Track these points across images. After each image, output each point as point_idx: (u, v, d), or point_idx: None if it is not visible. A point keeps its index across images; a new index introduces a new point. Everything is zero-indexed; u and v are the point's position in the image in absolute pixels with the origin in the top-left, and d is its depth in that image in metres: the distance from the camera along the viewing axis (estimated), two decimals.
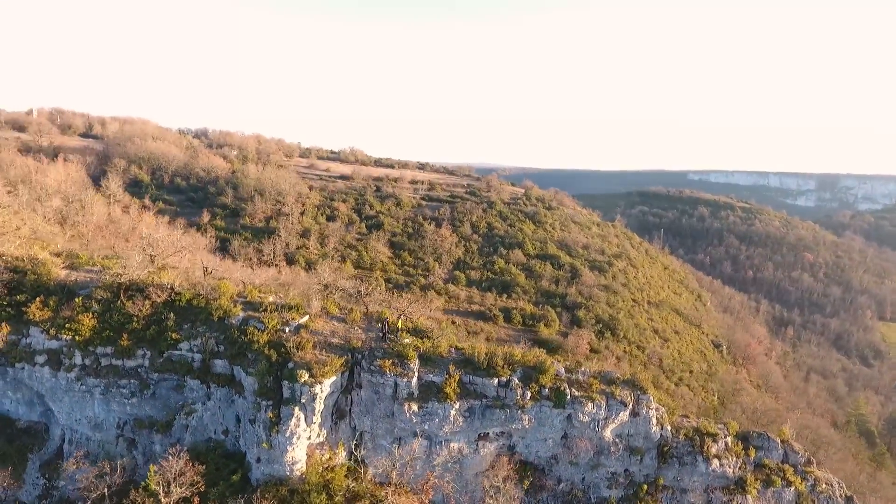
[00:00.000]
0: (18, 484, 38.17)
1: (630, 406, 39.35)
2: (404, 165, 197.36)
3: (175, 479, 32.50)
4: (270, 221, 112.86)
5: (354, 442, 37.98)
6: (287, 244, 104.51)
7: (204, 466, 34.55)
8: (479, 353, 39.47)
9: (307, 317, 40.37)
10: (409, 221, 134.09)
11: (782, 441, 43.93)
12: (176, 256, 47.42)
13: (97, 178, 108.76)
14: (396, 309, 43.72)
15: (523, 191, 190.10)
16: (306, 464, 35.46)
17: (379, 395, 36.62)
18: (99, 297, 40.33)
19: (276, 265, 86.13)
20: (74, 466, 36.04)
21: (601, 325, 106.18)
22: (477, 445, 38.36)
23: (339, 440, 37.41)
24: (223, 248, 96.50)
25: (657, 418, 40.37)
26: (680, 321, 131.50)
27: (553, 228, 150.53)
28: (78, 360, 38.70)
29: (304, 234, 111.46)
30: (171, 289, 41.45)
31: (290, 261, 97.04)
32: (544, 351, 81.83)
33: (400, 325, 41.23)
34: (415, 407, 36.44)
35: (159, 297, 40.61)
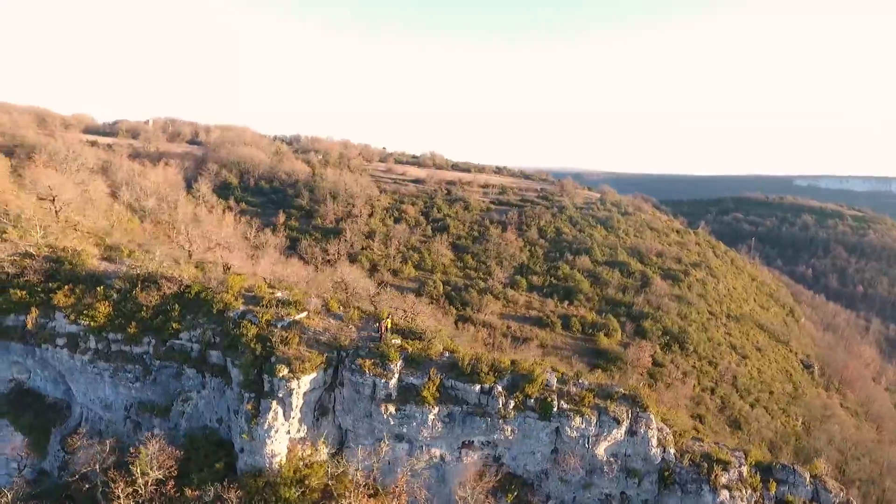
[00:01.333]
0: (42, 455, 42.05)
1: (625, 424, 36.93)
2: (481, 170, 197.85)
3: (150, 461, 34.38)
4: (340, 223, 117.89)
5: (339, 439, 38.82)
6: (352, 244, 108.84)
7: (183, 452, 36.63)
8: (463, 358, 38.55)
9: (305, 313, 41.16)
10: (476, 225, 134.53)
11: (812, 476, 39.22)
12: (214, 251, 51.47)
13: (191, 181, 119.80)
14: (397, 308, 44.36)
15: (598, 195, 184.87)
16: (286, 457, 36.13)
17: (359, 394, 36.59)
18: (118, 287, 43.20)
19: (335, 265, 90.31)
20: (79, 442, 38.85)
21: (668, 338, 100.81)
22: (460, 453, 37.39)
23: (320, 437, 37.74)
24: (292, 247, 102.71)
25: (658, 439, 37.58)
26: (764, 337, 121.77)
27: (626, 235, 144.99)
28: (92, 343, 41.61)
29: (370, 235, 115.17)
30: (181, 282, 43.79)
31: (353, 260, 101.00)
32: (602, 362, 79.45)
33: (389, 324, 41.40)
34: (392, 409, 36.20)
35: (170, 288, 42.95)
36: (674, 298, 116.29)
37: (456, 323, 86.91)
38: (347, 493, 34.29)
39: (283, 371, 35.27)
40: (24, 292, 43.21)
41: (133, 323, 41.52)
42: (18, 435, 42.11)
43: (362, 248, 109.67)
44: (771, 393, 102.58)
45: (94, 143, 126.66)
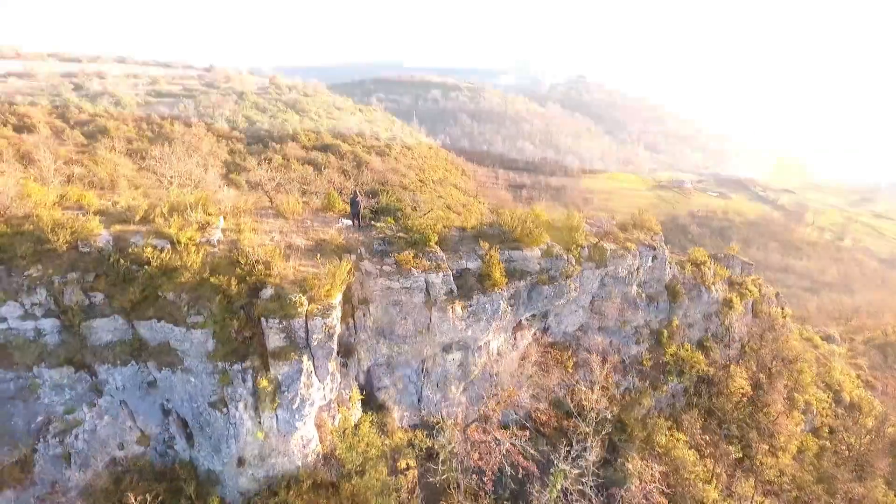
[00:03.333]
0: None
1: (655, 250, 35.13)
2: (95, 59, 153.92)
3: None
4: None
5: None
6: None
7: None
8: (509, 219, 29.72)
9: (221, 218, 24.07)
10: (144, 123, 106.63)
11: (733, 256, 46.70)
12: None
13: None
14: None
15: (268, 80, 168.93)
16: (319, 440, 22.46)
17: (402, 305, 24.28)
18: None
19: None
20: None
21: (403, 205, 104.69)
22: (515, 338, 29.61)
23: (351, 389, 24.43)
24: None
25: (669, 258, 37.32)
26: (461, 195, 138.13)
27: (319, 117, 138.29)
28: None
29: None
30: None
31: None
32: None
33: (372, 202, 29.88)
34: (459, 308, 25.08)
35: None
36: (391, 172, 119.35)
37: None
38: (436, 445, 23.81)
39: (303, 302, 20.17)
40: None
41: None
42: None
43: None
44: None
45: None
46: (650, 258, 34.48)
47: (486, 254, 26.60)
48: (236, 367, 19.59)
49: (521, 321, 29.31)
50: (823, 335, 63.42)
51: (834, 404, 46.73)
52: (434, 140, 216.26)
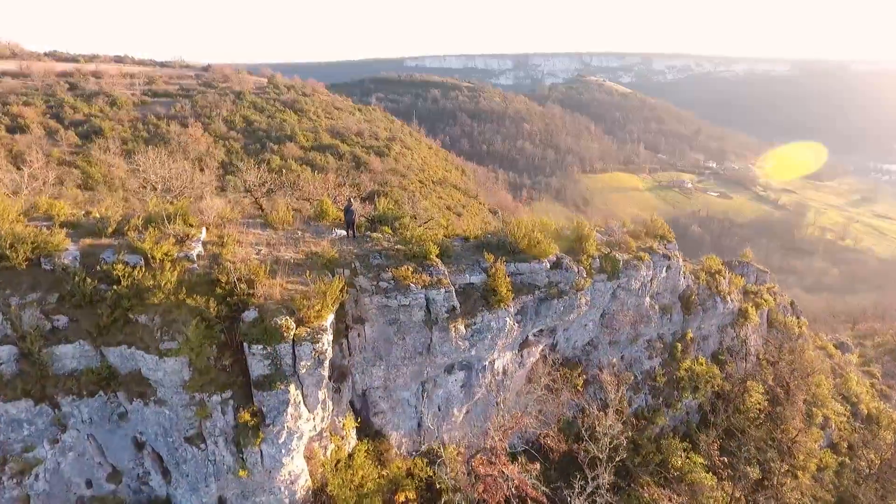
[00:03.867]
0: None
1: (670, 259, 33.19)
2: (92, 59, 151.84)
3: None
4: None
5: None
6: None
7: None
8: (516, 228, 27.33)
9: (204, 230, 22.22)
10: (140, 123, 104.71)
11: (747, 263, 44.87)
12: None
13: None
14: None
15: (266, 80, 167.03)
16: (308, 473, 20.29)
17: (401, 324, 22.24)
18: None
19: None
20: None
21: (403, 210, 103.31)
22: (522, 356, 27.58)
23: (345, 415, 22.37)
24: None
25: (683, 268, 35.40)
26: (461, 196, 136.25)
27: (318, 117, 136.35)
28: None
29: None
30: None
31: None
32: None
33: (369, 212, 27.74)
34: (461, 326, 23.02)
35: None
36: (390, 173, 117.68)
37: None
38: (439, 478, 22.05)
39: (290, 325, 18.17)
40: None
41: None
42: None
43: None
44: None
45: None
46: (664, 268, 32.51)
47: (492, 267, 24.58)
48: (215, 398, 17.60)
49: (528, 337, 27.33)
50: (836, 342, 61.56)
51: (851, 418, 44.86)
52: (434, 140, 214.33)
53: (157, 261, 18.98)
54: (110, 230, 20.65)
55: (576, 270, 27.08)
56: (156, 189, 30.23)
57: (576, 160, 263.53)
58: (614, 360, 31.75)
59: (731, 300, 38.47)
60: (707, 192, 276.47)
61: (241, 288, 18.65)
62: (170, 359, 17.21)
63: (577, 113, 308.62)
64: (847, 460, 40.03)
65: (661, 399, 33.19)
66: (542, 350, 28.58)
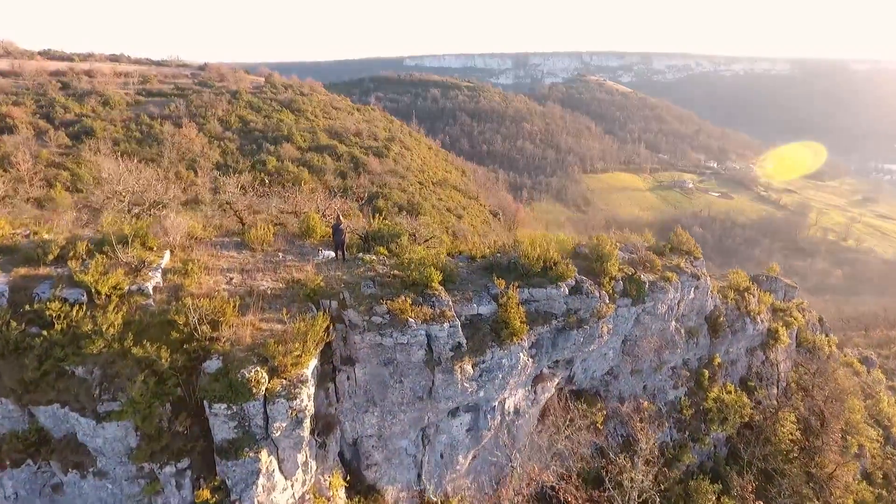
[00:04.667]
0: None
1: (699, 279, 29.87)
2: (86, 58, 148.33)
3: None
4: None
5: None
6: None
7: None
8: (529, 248, 23.83)
9: (168, 253, 18.97)
10: (133, 123, 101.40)
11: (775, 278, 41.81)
12: None
13: None
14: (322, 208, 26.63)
15: (263, 79, 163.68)
16: None
17: (398, 364, 18.96)
18: None
19: None
20: None
21: (404, 212, 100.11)
22: (535, 392, 24.11)
23: (332, 472, 18.79)
24: None
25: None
26: (462, 197, 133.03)
27: (316, 116, 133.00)
28: None
29: None
30: None
31: None
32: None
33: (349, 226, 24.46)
34: (468, 366, 19.68)
35: None
36: (391, 174, 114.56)
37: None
38: None
39: (261, 377, 14.81)
40: None
41: None
42: None
43: None
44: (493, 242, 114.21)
45: None
46: (692, 289, 29.21)
47: (503, 295, 21.25)
48: (168, 469, 14.29)
49: (542, 371, 24.08)
50: (860, 357, 58.40)
51: (884, 443, 41.67)
52: (433, 140, 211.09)
53: (104, 296, 15.73)
54: (51, 257, 17.34)
55: (597, 296, 23.74)
56: (123, 200, 26.79)
57: (576, 160, 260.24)
58: (633, 387, 28.58)
59: (761, 320, 35.18)
60: (708, 192, 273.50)
61: (202, 331, 15.34)
62: (110, 423, 13.92)
63: (577, 112, 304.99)
64: (884, 493, 36.80)
65: (687, 433, 29.93)
66: (558, 383, 25.32)
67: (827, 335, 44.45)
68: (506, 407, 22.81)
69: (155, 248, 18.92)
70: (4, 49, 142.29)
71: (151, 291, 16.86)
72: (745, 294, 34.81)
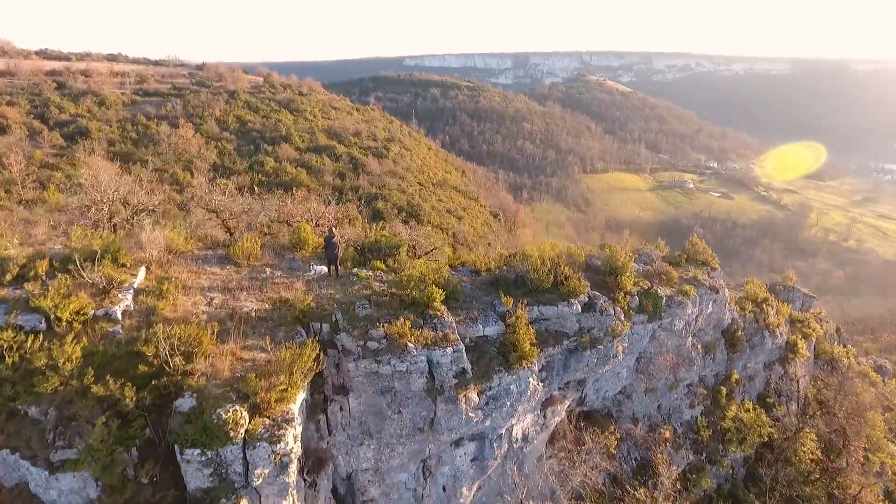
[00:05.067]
0: None
1: (717, 293, 27.98)
2: (83, 58, 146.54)
3: None
4: None
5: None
6: None
7: None
8: (538, 262, 21.94)
9: (143, 270, 17.27)
10: (129, 124, 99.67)
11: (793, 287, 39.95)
12: None
13: None
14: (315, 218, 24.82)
15: (262, 79, 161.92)
16: None
17: (396, 393, 17.22)
18: None
19: None
20: None
21: (404, 214, 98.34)
22: (545, 417, 22.24)
23: None
24: None
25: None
26: (462, 198, 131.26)
27: (315, 117, 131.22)
28: None
29: None
30: None
31: None
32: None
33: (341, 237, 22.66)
34: (474, 394, 17.89)
35: None
36: (390, 175, 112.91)
37: None
38: None
39: (240, 418, 13.03)
40: None
41: None
42: None
43: None
44: (489, 244, 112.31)
45: None
46: (710, 302, 27.41)
47: (511, 314, 19.43)
48: None
49: (552, 394, 22.33)
50: (875, 366, 56.53)
51: None
52: (433, 140, 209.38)
53: (64, 323, 13.96)
54: (9, 277, 15.53)
55: (612, 313, 21.92)
56: (102, 210, 24.88)
57: (576, 160, 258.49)
58: (647, 406, 26.84)
59: (780, 333, 33.33)
60: (709, 192, 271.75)
61: (175, 363, 13.55)
62: (65, 475, 12.14)
63: (577, 112, 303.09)
64: None
65: (704, 455, 28.16)
66: (568, 406, 23.55)
67: (845, 346, 42.62)
68: (513, 434, 21.02)
69: (128, 265, 17.14)
70: (1, 49, 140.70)
71: (120, 316, 15.07)
72: (764, 305, 32.94)
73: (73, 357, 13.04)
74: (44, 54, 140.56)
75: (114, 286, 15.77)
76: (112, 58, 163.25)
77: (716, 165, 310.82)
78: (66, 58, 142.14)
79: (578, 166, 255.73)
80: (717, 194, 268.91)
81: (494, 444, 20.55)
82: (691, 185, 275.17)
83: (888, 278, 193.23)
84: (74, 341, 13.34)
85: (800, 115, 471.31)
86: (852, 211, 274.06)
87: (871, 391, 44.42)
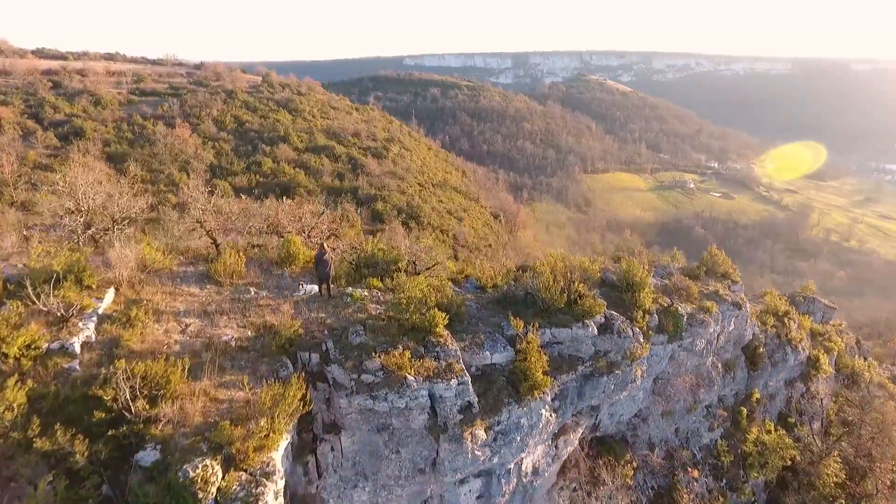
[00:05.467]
0: None
1: (740, 308, 26.31)
2: (80, 57, 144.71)
3: None
4: None
5: None
6: None
7: None
8: (550, 279, 19.97)
9: (111, 292, 15.55)
10: (125, 124, 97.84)
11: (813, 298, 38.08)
12: None
13: None
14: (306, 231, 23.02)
15: (260, 78, 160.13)
16: None
17: (394, 432, 15.48)
18: None
19: None
20: None
21: (404, 216, 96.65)
22: (557, 447, 20.40)
23: None
24: None
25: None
26: (462, 199, 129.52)
27: (313, 116, 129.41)
28: None
29: None
30: None
31: None
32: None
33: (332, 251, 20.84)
34: (481, 431, 16.07)
35: None
36: (390, 176, 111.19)
37: None
38: None
39: (211, 475, 10.94)
40: None
41: None
42: None
43: None
44: (490, 245, 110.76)
45: None
46: (732, 319, 25.54)
47: (521, 339, 17.55)
48: None
49: (565, 423, 20.50)
50: (891, 377, 54.69)
51: None
52: (433, 140, 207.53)
53: (12, 360, 12.09)
54: None
55: (630, 335, 20.02)
56: (77, 220, 22.92)
57: (577, 160, 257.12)
58: (664, 430, 25.02)
59: (803, 348, 31.46)
60: (709, 192, 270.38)
61: (136, 409, 11.69)
62: None
63: (577, 112, 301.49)
64: None
65: (724, 481, 26.34)
66: (581, 433, 21.69)
67: (865, 358, 40.78)
68: (523, 468, 19.17)
69: (94, 287, 15.26)
70: None
71: (78, 349, 13.16)
72: (785, 319, 31.05)
73: (16, 404, 11.13)
74: (40, 53, 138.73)
75: (74, 313, 13.87)
76: (109, 57, 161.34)
77: (716, 165, 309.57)
78: (63, 57, 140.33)
79: (579, 166, 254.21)
80: (718, 194, 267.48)
81: (502, 480, 18.71)
82: (692, 186, 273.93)
83: (890, 279, 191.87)
84: (17, 384, 11.44)
85: (800, 114, 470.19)
86: (853, 211, 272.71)
87: (891, 405, 42.62)
